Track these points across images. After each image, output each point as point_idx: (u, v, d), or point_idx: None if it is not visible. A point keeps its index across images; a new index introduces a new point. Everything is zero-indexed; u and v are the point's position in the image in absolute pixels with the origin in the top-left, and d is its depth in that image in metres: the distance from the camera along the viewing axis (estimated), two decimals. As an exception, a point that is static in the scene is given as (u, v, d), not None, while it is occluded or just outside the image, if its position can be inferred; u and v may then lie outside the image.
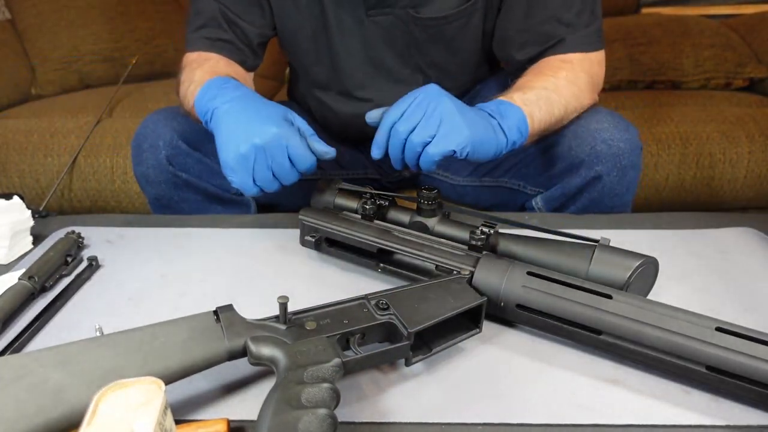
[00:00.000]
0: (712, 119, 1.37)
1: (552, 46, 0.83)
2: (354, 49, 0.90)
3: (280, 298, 0.45)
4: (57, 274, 0.64)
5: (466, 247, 0.59)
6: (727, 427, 0.44)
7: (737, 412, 0.45)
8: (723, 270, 0.65)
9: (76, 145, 1.31)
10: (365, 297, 0.50)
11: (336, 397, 0.40)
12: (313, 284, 0.63)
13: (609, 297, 0.49)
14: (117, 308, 0.59)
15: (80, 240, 0.70)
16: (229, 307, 0.47)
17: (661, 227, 0.75)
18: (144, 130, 0.85)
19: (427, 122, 0.63)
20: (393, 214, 0.65)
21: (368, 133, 0.95)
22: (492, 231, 0.59)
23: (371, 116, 0.68)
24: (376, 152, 0.66)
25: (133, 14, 1.77)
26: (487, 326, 0.54)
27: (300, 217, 0.65)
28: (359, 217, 0.65)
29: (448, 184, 1.03)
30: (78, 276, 0.65)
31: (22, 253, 0.71)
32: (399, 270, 0.61)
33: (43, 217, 0.80)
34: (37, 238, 0.73)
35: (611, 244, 0.56)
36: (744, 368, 0.43)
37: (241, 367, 0.47)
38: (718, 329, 0.45)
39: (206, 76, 0.76)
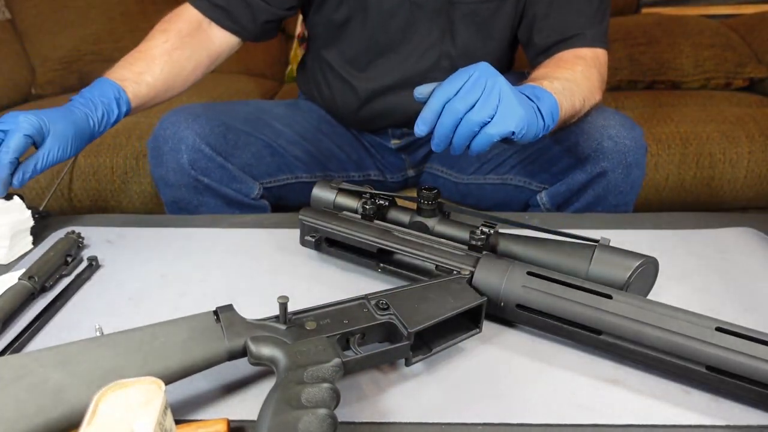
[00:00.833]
0: (712, 119, 1.37)
1: (570, 37, 0.84)
2: (390, 29, 0.91)
3: (280, 298, 0.45)
4: (57, 274, 0.64)
5: (466, 247, 0.59)
6: (727, 427, 0.44)
7: (737, 412, 0.45)
8: (723, 270, 0.65)
9: (76, 145, 1.31)
10: (365, 297, 0.50)
11: (336, 397, 0.40)
12: (313, 284, 0.63)
13: (609, 297, 0.49)
14: (117, 308, 0.59)
15: (80, 240, 0.70)
16: (229, 307, 0.47)
17: (661, 227, 0.75)
18: (164, 132, 0.85)
19: (486, 101, 0.59)
20: (393, 214, 0.65)
21: (385, 112, 0.97)
22: (492, 231, 0.59)
23: (421, 91, 0.62)
24: (422, 128, 0.62)
25: (133, 14, 1.76)
26: (487, 326, 0.54)
27: (300, 217, 0.65)
28: (359, 217, 0.65)
29: (451, 182, 1.03)
30: (78, 276, 0.65)
31: (22, 253, 0.71)
32: (399, 270, 0.61)
33: (43, 217, 0.80)
34: (37, 238, 0.73)
35: (611, 244, 0.56)
36: (744, 368, 0.43)
37: (241, 367, 0.47)
38: (718, 329, 0.45)
39: (126, 78, 0.79)
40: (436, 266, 0.57)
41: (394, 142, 1.04)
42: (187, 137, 0.83)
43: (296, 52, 1.88)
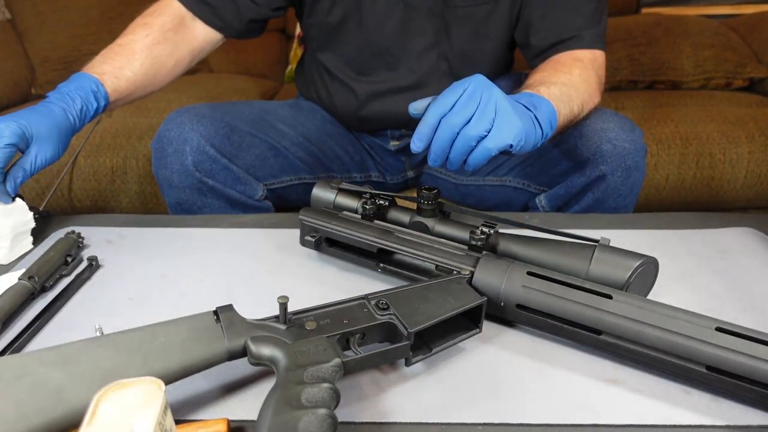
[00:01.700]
0: (712, 119, 1.38)
1: (568, 39, 0.84)
2: (386, 30, 0.90)
3: (280, 298, 0.45)
4: (57, 274, 0.64)
5: (466, 247, 0.59)
6: (727, 427, 0.44)
7: (737, 412, 0.45)
8: (723, 270, 0.65)
9: (76, 145, 1.31)
10: (365, 297, 0.50)
11: (336, 397, 0.40)
12: (313, 284, 0.63)
13: (609, 297, 0.49)
14: (117, 308, 0.59)
15: (80, 240, 0.70)
16: (229, 307, 0.47)
17: (661, 227, 0.75)
18: (168, 133, 0.84)
19: (483, 114, 0.59)
20: (393, 214, 0.65)
21: (383, 115, 0.97)
22: (492, 231, 0.59)
23: (415, 107, 0.62)
24: (419, 144, 0.61)
25: (133, 14, 1.76)
26: (487, 326, 0.54)
27: (300, 217, 0.65)
28: (359, 217, 0.65)
29: (451, 183, 1.03)
30: (78, 276, 0.65)
31: (22, 253, 0.71)
32: (399, 270, 0.61)
33: (43, 217, 0.80)
34: (37, 238, 0.73)
35: (611, 244, 0.56)
36: (744, 368, 0.43)
37: (241, 367, 0.47)
38: (718, 329, 0.45)
39: (105, 72, 0.78)
40: (436, 266, 0.57)
41: (393, 144, 1.04)
42: (191, 139, 0.83)
43: (296, 52, 1.88)
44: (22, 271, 0.62)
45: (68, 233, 0.70)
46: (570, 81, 0.76)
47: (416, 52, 0.92)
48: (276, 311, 0.46)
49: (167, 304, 0.60)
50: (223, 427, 0.42)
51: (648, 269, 0.55)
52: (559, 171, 0.88)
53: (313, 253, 0.68)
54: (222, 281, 0.64)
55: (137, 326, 0.45)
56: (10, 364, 0.40)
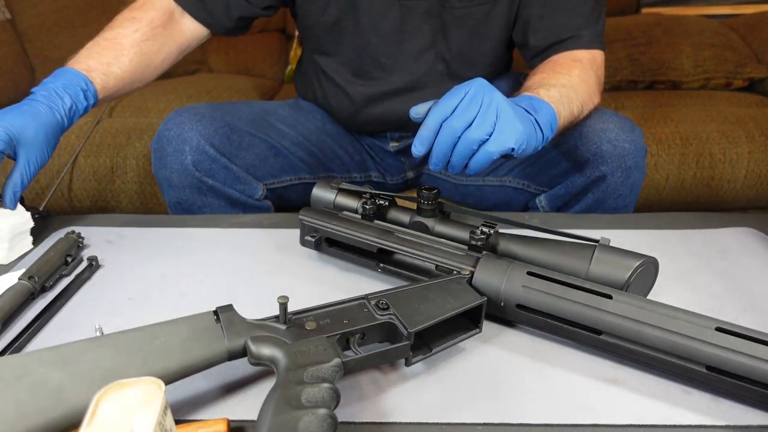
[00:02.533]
0: (712, 119, 1.38)
1: (566, 39, 0.84)
2: (382, 31, 0.90)
3: (280, 298, 0.45)
4: (57, 274, 0.64)
5: (466, 247, 0.59)
6: (727, 427, 0.44)
7: (737, 412, 0.45)
8: (723, 270, 0.65)
9: (76, 145, 1.31)
10: (365, 297, 0.50)
11: (336, 397, 0.40)
12: (313, 284, 0.63)
13: (609, 297, 0.49)
14: (117, 308, 0.59)
15: (80, 240, 0.70)
16: (229, 307, 0.47)
17: (661, 227, 0.75)
18: (167, 133, 0.84)
19: (484, 118, 0.58)
20: (393, 214, 0.65)
21: (381, 117, 0.96)
22: (492, 231, 0.59)
23: (416, 111, 0.62)
24: (420, 148, 0.61)
25: (133, 14, 1.76)
26: (487, 326, 0.54)
27: (300, 217, 0.65)
28: (359, 217, 0.65)
29: (451, 183, 1.03)
30: (78, 276, 0.65)
31: (22, 253, 0.71)
32: (399, 270, 0.61)
33: (43, 217, 0.80)
34: (37, 238, 0.73)
35: (611, 244, 0.56)
36: (744, 368, 0.43)
37: (241, 367, 0.47)
38: (718, 329, 0.45)
39: (93, 69, 0.76)
40: (436, 266, 0.57)
41: (393, 145, 1.03)
42: (191, 138, 0.83)
43: (296, 52, 1.88)
44: (22, 271, 0.62)
45: (68, 233, 0.70)
46: (569, 82, 0.76)
47: (413, 54, 0.92)
48: (276, 311, 0.46)
49: (167, 304, 0.60)
50: (223, 427, 0.42)
51: (648, 269, 0.55)
52: (559, 171, 0.88)
53: (313, 253, 0.68)
54: (222, 281, 0.64)
55: (137, 326, 0.45)
56: (10, 364, 0.40)
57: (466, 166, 0.61)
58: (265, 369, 0.47)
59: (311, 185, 0.69)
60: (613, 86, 1.62)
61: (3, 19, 1.79)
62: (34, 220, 0.72)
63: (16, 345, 0.53)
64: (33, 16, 1.75)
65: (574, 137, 0.83)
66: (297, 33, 1.84)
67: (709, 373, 0.45)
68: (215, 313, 0.47)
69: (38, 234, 0.74)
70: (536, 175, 0.92)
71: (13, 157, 0.68)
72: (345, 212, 0.66)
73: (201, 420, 0.43)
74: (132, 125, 1.40)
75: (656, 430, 0.44)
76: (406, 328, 0.46)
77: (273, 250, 0.71)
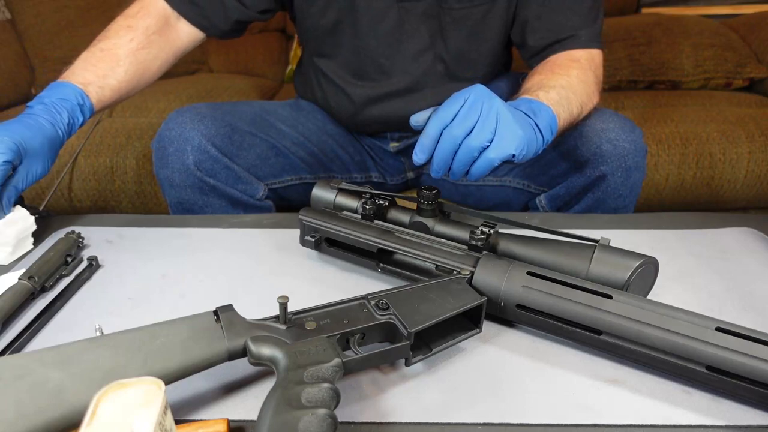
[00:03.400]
0: (712, 119, 1.38)
1: (565, 39, 0.84)
2: (380, 32, 0.90)
3: (280, 298, 0.45)
4: (57, 274, 0.64)
5: (466, 247, 0.59)
6: (727, 427, 0.44)
7: (737, 412, 0.45)
8: (723, 270, 0.65)
9: (76, 145, 1.31)
10: (365, 297, 0.50)
11: (336, 397, 0.40)
12: (313, 284, 0.63)
13: (609, 297, 0.49)
14: (117, 308, 0.59)
15: (80, 240, 0.70)
16: (229, 307, 0.47)
17: (661, 227, 0.75)
18: (169, 133, 0.84)
19: (484, 125, 0.59)
20: (393, 214, 0.65)
21: (381, 118, 0.96)
22: (492, 231, 0.59)
23: (416, 119, 0.63)
24: (421, 156, 0.62)
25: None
26: (487, 326, 0.54)
27: (300, 217, 0.65)
28: (359, 217, 0.65)
29: (450, 183, 1.03)
30: (78, 276, 0.65)
31: (22, 253, 0.71)
32: (399, 270, 0.61)
33: (43, 217, 0.80)
34: (37, 238, 0.73)
35: (611, 244, 0.56)
36: (744, 368, 0.43)
37: (241, 367, 0.47)
38: (718, 329, 0.45)
39: (89, 82, 0.77)
40: (436, 266, 0.57)
41: (393, 145, 1.04)
42: (192, 138, 0.83)
43: (296, 52, 1.88)
44: (22, 271, 0.62)
45: (68, 233, 0.70)
46: (568, 83, 0.76)
47: (412, 55, 0.92)
48: (276, 311, 0.46)
49: (167, 304, 0.60)
50: (223, 427, 0.42)
51: (648, 269, 0.55)
52: (559, 171, 0.88)
53: (313, 253, 0.68)
54: (222, 281, 0.64)
55: (137, 326, 0.45)
56: (10, 364, 0.40)
57: (467, 172, 0.62)
58: (265, 369, 0.47)
59: (312, 185, 0.69)
60: (613, 86, 1.62)
61: (3, 19, 1.79)
62: (35, 222, 0.72)
63: (16, 345, 0.53)
64: (33, 16, 1.75)
65: (574, 137, 0.83)
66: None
67: (709, 373, 0.45)
68: (215, 313, 0.47)
69: (38, 234, 0.74)
70: (536, 176, 0.92)
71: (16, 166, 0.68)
72: (345, 212, 0.66)
73: (201, 420, 0.43)
74: (132, 125, 1.40)
75: (656, 430, 0.44)
76: (406, 328, 0.46)
77: (273, 250, 0.71)
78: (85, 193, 1.34)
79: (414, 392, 0.47)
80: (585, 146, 0.82)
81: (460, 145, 0.60)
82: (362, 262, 0.64)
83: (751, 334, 0.44)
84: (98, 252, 0.70)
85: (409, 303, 0.49)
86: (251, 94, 1.64)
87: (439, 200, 0.63)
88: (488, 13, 0.89)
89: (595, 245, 0.56)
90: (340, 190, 0.68)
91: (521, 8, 0.88)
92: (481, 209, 0.94)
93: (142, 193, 1.34)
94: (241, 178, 0.88)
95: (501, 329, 0.55)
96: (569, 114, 0.73)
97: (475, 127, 0.59)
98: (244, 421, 0.44)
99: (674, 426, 0.44)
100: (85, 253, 0.70)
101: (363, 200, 0.65)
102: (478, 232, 0.58)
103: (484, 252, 0.57)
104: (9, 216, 0.68)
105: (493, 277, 0.53)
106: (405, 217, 0.64)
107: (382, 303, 0.49)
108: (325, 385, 0.40)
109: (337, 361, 0.43)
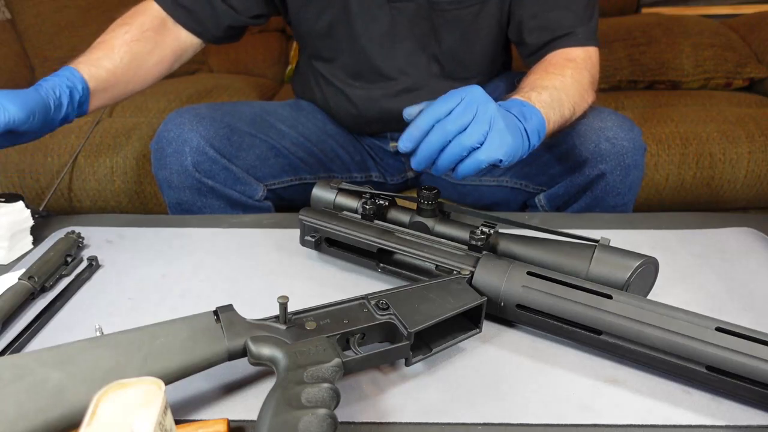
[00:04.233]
0: (712, 119, 1.37)
1: (562, 36, 0.84)
2: (374, 34, 0.90)
3: (280, 298, 0.45)
4: (57, 274, 0.64)
5: (466, 247, 0.59)
6: (727, 427, 0.44)
7: (737, 412, 0.45)
8: (723, 270, 0.65)
9: (76, 145, 1.31)
10: (365, 297, 0.50)
11: (336, 397, 0.40)
12: (313, 284, 0.63)
13: (609, 297, 0.49)
14: (117, 308, 0.59)
15: (80, 240, 0.70)
16: (229, 307, 0.47)
17: (661, 227, 0.75)
18: (167, 134, 0.84)
19: (477, 126, 0.59)
20: (393, 214, 0.65)
21: (380, 118, 0.96)
22: (492, 231, 0.59)
23: (410, 111, 0.63)
24: (407, 144, 0.62)
25: (133, 14, 1.76)
26: (487, 326, 0.54)
27: (300, 217, 0.65)
28: (359, 217, 0.65)
29: (449, 183, 1.03)
30: (78, 276, 0.65)
31: (22, 253, 0.71)
32: (399, 270, 0.61)
33: (43, 217, 0.80)
34: (37, 238, 0.73)
35: (611, 244, 0.56)
36: (744, 368, 0.43)
37: (241, 367, 0.47)
38: (718, 329, 0.45)
39: (80, 62, 0.77)
40: (436, 266, 0.57)
41: (393, 145, 1.04)
42: (191, 139, 0.83)
43: (296, 52, 1.88)
44: (22, 271, 0.62)
45: (68, 233, 0.70)
46: (561, 84, 0.76)
47: (406, 55, 0.92)
48: (276, 311, 0.46)
49: (167, 304, 0.60)
50: (223, 427, 0.42)
51: (648, 269, 0.55)
52: (558, 171, 0.88)
53: (313, 253, 0.68)
54: (222, 281, 0.64)
55: (137, 326, 0.45)
56: (10, 364, 0.40)
57: (453, 169, 0.62)
58: (265, 369, 0.47)
59: (312, 185, 0.69)
60: (613, 86, 1.62)
61: (3, 19, 1.79)
62: (33, 220, 0.72)
63: (16, 345, 0.53)
64: (33, 16, 1.75)
65: (573, 136, 0.83)
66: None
67: (709, 373, 0.45)
68: (215, 313, 0.47)
69: (38, 234, 0.74)
70: (535, 175, 0.92)
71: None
72: (345, 212, 0.66)
73: (201, 420, 0.43)
74: (132, 125, 1.40)
75: (656, 430, 0.44)
76: (406, 328, 0.46)
77: (273, 250, 0.71)
78: (85, 193, 1.34)
79: (414, 392, 0.47)
80: (584, 145, 0.82)
81: (450, 141, 0.60)
82: (362, 262, 0.64)
83: (751, 334, 0.44)
84: (98, 252, 0.70)
85: (409, 303, 0.49)
86: (251, 94, 1.64)
87: (439, 200, 0.63)
88: (480, 14, 0.89)
89: (595, 245, 0.56)
90: (340, 190, 0.68)
91: (516, 7, 0.88)
92: (480, 208, 0.95)
93: (142, 193, 1.34)
94: (239, 179, 0.88)
95: (501, 329, 0.55)
96: (560, 116, 0.74)
97: (469, 127, 0.59)
98: (244, 421, 0.44)
99: (674, 426, 0.44)
100: (85, 253, 0.70)
101: (363, 200, 0.65)
102: (478, 232, 0.58)
103: (484, 252, 0.57)
104: (2, 209, 0.68)
105: (493, 277, 0.53)
106: (405, 217, 0.64)
107: (382, 303, 0.49)
108: (325, 385, 0.40)
109: (337, 361, 0.43)
